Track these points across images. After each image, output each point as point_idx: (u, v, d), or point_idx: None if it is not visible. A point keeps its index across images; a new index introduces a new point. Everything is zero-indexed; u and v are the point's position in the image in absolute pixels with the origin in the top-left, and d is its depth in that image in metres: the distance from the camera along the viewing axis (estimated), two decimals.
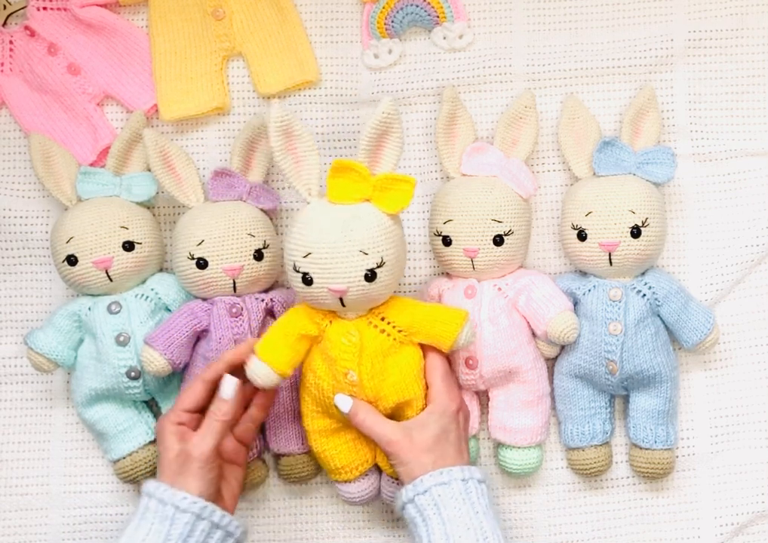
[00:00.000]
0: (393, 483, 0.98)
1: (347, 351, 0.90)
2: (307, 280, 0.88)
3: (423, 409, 0.93)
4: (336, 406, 0.92)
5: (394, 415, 0.94)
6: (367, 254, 0.87)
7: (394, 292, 0.92)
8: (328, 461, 0.97)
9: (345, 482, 0.98)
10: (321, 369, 0.92)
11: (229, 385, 0.91)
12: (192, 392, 0.92)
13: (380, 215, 0.88)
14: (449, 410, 0.91)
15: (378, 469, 0.99)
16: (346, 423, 0.94)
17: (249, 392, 0.94)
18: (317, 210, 0.89)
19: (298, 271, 0.88)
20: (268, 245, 0.99)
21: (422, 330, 0.92)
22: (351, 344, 0.91)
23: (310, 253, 0.87)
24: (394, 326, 0.92)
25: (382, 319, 0.92)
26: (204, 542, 0.87)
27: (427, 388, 0.93)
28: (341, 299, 0.88)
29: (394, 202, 0.88)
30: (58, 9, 1.05)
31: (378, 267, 0.87)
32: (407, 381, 0.92)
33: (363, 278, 0.87)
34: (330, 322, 0.92)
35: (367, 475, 0.98)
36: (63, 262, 0.98)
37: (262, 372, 0.90)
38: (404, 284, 1.05)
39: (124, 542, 0.85)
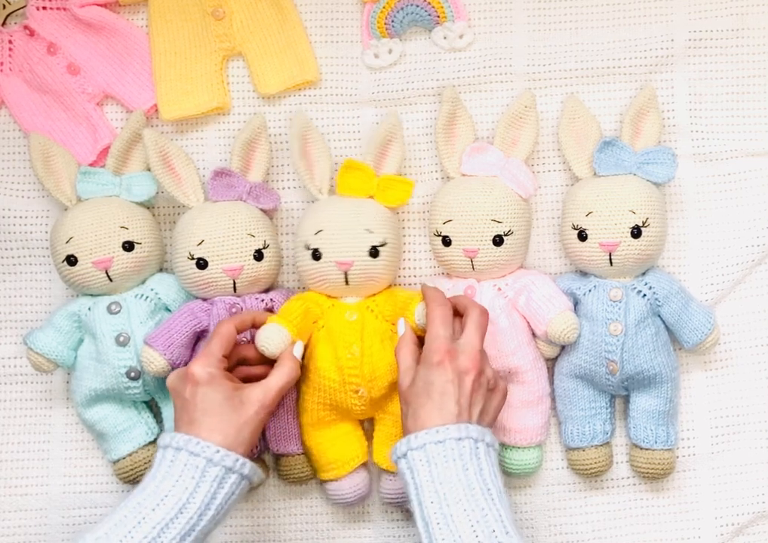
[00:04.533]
0: (392, 480, 1.00)
1: (350, 327, 0.96)
2: (316, 256, 0.96)
3: None
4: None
5: (390, 394, 0.98)
6: (372, 232, 0.96)
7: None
8: (321, 456, 0.99)
9: (336, 480, 0.99)
10: (324, 353, 0.96)
11: (298, 348, 0.94)
12: (226, 340, 0.92)
13: (382, 207, 0.99)
14: (431, 361, 0.88)
15: (365, 467, 1.01)
16: (343, 416, 0.98)
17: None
18: (328, 200, 0.99)
19: (309, 249, 0.96)
20: (268, 245, 0.99)
21: (395, 314, 0.97)
22: (353, 320, 0.96)
23: (321, 230, 0.96)
24: (384, 317, 0.98)
25: (372, 310, 0.98)
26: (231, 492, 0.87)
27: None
28: (345, 275, 0.95)
29: (395, 199, 1.00)
30: (57, 9, 1.05)
31: (381, 245, 0.96)
32: None
33: (367, 254, 0.96)
34: (332, 305, 0.98)
35: (357, 472, 1.00)
36: (63, 262, 0.98)
37: (278, 332, 0.93)
38: (404, 285, 1.05)
39: (151, 490, 0.84)
